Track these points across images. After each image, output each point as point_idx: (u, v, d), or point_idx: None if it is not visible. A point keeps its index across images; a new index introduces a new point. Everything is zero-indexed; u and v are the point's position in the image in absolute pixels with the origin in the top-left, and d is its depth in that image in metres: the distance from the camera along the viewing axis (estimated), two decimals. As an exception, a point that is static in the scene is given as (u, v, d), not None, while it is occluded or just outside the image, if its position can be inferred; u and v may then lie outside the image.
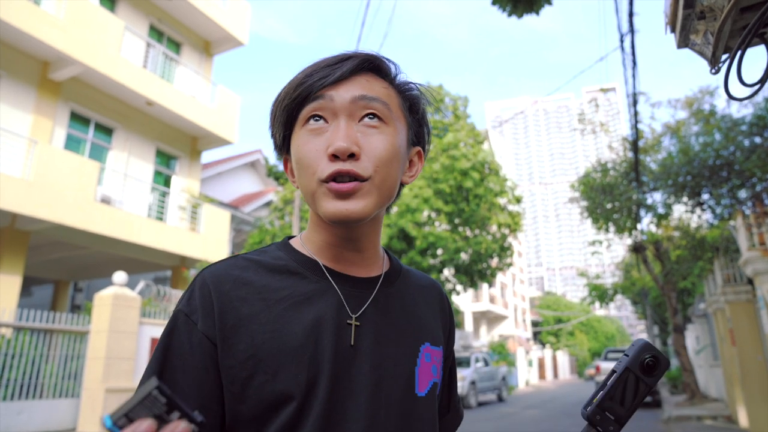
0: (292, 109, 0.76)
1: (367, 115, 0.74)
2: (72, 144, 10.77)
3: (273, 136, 0.81)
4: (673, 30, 1.74)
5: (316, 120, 0.74)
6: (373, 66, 0.78)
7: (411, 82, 0.83)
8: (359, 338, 0.73)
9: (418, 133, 0.84)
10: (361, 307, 0.76)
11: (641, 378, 0.71)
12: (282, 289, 0.74)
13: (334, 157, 0.70)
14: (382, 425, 0.70)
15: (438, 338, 0.83)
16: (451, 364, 0.92)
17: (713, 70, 1.60)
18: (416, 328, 0.80)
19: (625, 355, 0.73)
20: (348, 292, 0.76)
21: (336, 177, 0.70)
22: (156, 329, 9.05)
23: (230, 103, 13.57)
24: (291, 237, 0.84)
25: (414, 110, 0.82)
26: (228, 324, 0.70)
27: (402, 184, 0.82)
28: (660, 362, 0.72)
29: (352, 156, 0.71)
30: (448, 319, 0.90)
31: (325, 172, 0.71)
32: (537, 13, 5.12)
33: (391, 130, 0.75)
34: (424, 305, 0.85)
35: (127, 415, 0.47)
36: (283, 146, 0.81)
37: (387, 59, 0.81)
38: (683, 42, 1.72)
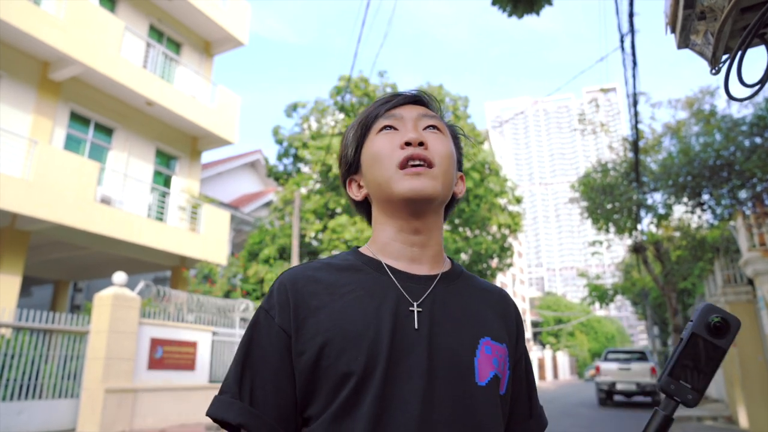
0: (366, 125, 0.91)
1: (429, 126, 0.89)
2: (72, 144, 10.77)
3: (345, 155, 0.95)
4: (673, 30, 1.73)
5: (388, 129, 0.89)
6: (422, 101, 0.95)
7: (453, 123, 0.99)
8: (420, 324, 0.80)
9: (459, 162, 0.98)
10: (420, 298, 0.83)
11: (711, 341, 0.69)
12: (347, 284, 0.83)
13: (406, 145, 0.85)
14: (437, 409, 0.75)
15: (500, 336, 0.86)
16: (527, 371, 0.95)
17: (713, 71, 1.59)
18: (475, 322, 0.85)
19: (690, 321, 0.71)
20: (407, 286, 0.83)
21: (408, 161, 0.84)
22: (156, 329, 9.05)
23: (230, 103, 13.57)
24: (358, 247, 0.94)
25: (456, 142, 0.97)
26: (300, 316, 0.80)
27: (454, 198, 0.95)
28: (730, 323, 0.69)
29: (421, 145, 0.85)
30: (514, 325, 0.93)
31: (400, 157, 0.84)
32: (537, 13, 5.12)
33: (447, 139, 0.91)
34: (485, 305, 0.89)
35: None
36: (353, 162, 0.93)
37: (433, 97, 0.98)
38: (683, 42, 1.72)
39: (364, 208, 0.95)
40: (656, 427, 0.68)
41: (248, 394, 0.77)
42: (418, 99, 0.95)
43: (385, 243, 0.88)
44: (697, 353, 0.69)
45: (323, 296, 0.81)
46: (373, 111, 0.92)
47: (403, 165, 0.83)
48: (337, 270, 0.85)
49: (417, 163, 0.83)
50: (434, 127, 0.89)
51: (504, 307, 0.93)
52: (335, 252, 11.58)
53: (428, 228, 0.87)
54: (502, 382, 0.83)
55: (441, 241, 0.91)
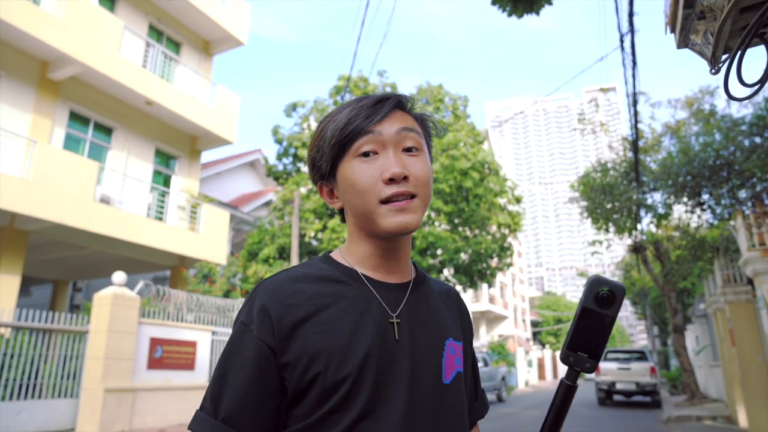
0: (344, 144, 0.89)
1: (408, 148, 0.89)
2: (71, 144, 10.76)
3: (318, 166, 0.94)
4: (673, 30, 1.73)
5: (366, 156, 0.87)
6: (400, 104, 0.94)
7: (424, 114, 0.99)
8: (400, 334, 0.85)
9: (430, 156, 0.99)
10: (397, 308, 0.88)
11: (600, 312, 0.74)
12: (330, 295, 0.86)
13: (391, 180, 0.85)
14: (418, 408, 0.82)
15: (458, 334, 0.96)
16: (472, 360, 1.04)
17: (713, 70, 1.59)
18: (441, 325, 0.93)
19: (582, 296, 0.76)
20: (385, 296, 0.88)
21: (393, 198, 0.85)
22: (155, 329, 9.05)
23: (230, 102, 13.57)
24: (330, 251, 0.96)
25: (429, 136, 0.99)
26: (285, 328, 0.81)
27: None
28: (615, 293, 0.73)
29: (404, 179, 0.86)
30: (465, 320, 1.04)
31: (384, 193, 0.85)
32: (537, 13, 5.11)
33: (424, 156, 0.91)
34: (444, 307, 0.98)
35: None
36: (328, 175, 0.93)
37: (408, 96, 0.97)
38: (683, 42, 1.72)
39: (341, 212, 0.98)
40: (561, 394, 0.75)
41: (224, 411, 0.78)
42: (396, 104, 0.93)
43: (363, 257, 0.91)
44: (589, 324, 0.74)
45: (308, 307, 0.83)
46: (352, 127, 0.88)
47: (387, 201, 0.85)
48: (317, 280, 0.87)
49: (400, 198, 0.85)
50: (413, 147, 0.89)
51: (457, 305, 1.03)
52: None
53: (403, 245, 0.92)
54: (461, 377, 0.92)
55: (410, 250, 0.96)
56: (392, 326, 0.85)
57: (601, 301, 0.74)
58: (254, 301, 0.84)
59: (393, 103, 0.92)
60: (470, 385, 1.01)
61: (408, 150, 0.89)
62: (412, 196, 0.86)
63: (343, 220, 0.98)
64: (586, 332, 0.74)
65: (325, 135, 0.91)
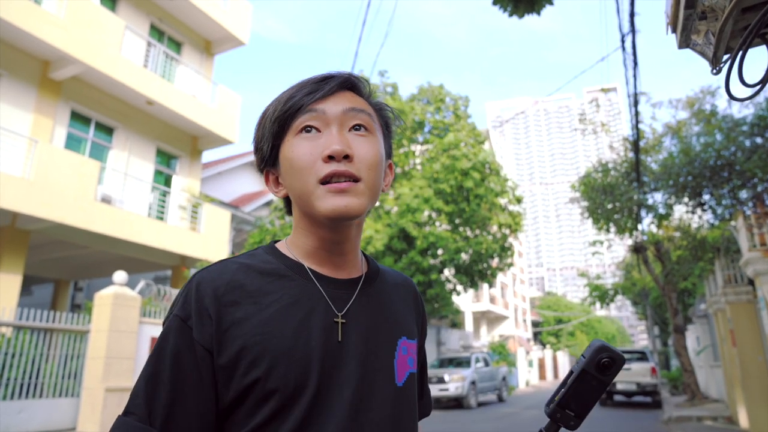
0: (283, 121, 0.82)
1: (355, 126, 0.82)
2: (72, 143, 10.78)
3: (260, 148, 0.86)
4: (674, 30, 1.73)
5: (308, 131, 0.80)
6: (352, 85, 0.86)
7: (382, 102, 0.91)
8: (346, 335, 0.79)
9: (389, 147, 0.92)
10: (345, 307, 0.82)
11: (597, 377, 0.76)
12: (272, 292, 0.79)
13: (330, 158, 0.77)
14: (365, 414, 0.77)
15: (413, 332, 0.90)
16: (422, 356, 0.98)
17: (714, 71, 1.59)
18: (394, 323, 0.87)
19: (582, 356, 0.77)
20: (332, 293, 0.82)
21: (332, 177, 0.77)
22: (156, 329, 9.06)
23: (231, 102, 13.57)
24: (277, 241, 0.89)
25: (387, 126, 0.91)
26: (223, 327, 0.74)
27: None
28: (615, 361, 0.75)
29: (346, 158, 0.78)
30: (421, 315, 0.98)
31: (322, 172, 0.77)
32: (538, 13, 5.11)
33: (375, 139, 0.84)
34: (399, 302, 0.92)
35: None
36: (269, 157, 0.85)
37: (362, 79, 0.89)
38: (684, 42, 1.72)
39: (285, 201, 0.90)
40: None
41: (160, 416, 0.70)
42: (346, 84, 0.85)
43: (308, 250, 0.84)
44: (585, 387, 0.76)
45: (248, 306, 0.76)
46: (292, 102, 0.81)
47: (325, 181, 0.77)
48: (261, 274, 0.80)
49: (341, 179, 0.77)
50: (361, 126, 0.82)
51: (414, 299, 0.97)
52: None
53: (349, 237, 0.85)
54: (414, 377, 0.87)
55: (359, 244, 0.89)
56: (336, 326, 0.79)
57: (601, 367, 0.75)
58: (191, 295, 0.76)
59: (340, 80, 0.84)
60: (418, 382, 0.94)
61: (356, 129, 0.81)
62: (356, 180, 0.78)
63: (289, 212, 0.90)
64: (580, 393, 0.76)
65: (267, 113, 0.84)
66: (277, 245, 0.87)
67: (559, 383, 0.79)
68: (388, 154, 0.91)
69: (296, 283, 0.81)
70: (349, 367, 0.77)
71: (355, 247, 0.87)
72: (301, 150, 0.79)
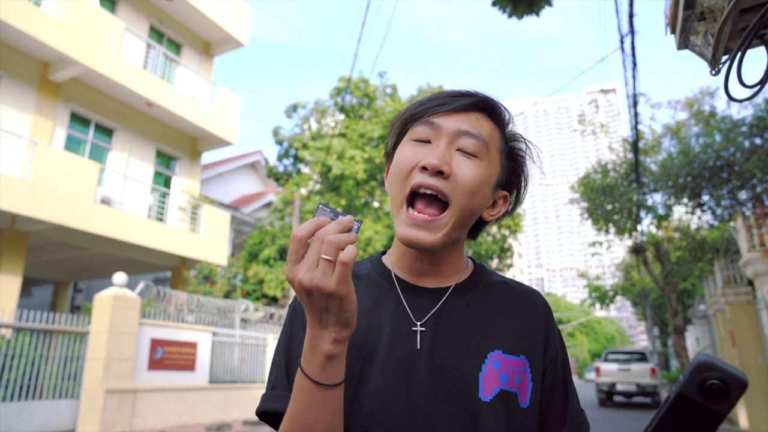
0: (406, 123, 0.85)
1: (464, 150, 0.81)
2: (72, 145, 10.78)
3: (387, 142, 0.91)
4: (673, 31, 1.74)
5: (420, 142, 0.82)
6: (487, 107, 0.86)
7: (520, 135, 0.91)
8: (423, 343, 0.80)
9: (510, 180, 0.90)
10: (425, 315, 0.82)
11: (704, 405, 0.55)
12: (361, 294, 0.82)
13: (424, 170, 0.78)
14: (437, 424, 0.75)
15: (515, 348, 0.82)
16: (563, 377, 0.88)
17: (713, 72, 1.60)
18: (485, 335, 0.82)
19: (682, 377, 0.57)
20: (413, 301, 0.83)
21: (420, 188, 0.78)
22: (156, 330, 9.05)
23: (230, 104, 13.58)
24: (385, 252, 0.94)
25: (512, 157, 0.89)
26: None
27: (483, 221, 0.90)
28: (730, 386, 0.54)
29: (441, 174, 0.78)
30: (542, 331, 0.87)
31: (412, 181, 0.79)
32: (537, 14, 5.12)
33: (483, 165, 0.82)
34: (502, 314, 0.85)
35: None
36: (391, 153, 0.89)
37: (503, 106, 0.88)
38: (683, 43, 1.72)
39: None
40: None
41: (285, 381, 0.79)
42: (479, 105, 0.85)
43: (399, 256, 0.87)
44: (686, 420, 0.55)
45: None
46: (419, 109, 0.84)
47: (410, 200, 0.79)
48: (357, 278, 0.86)
49: (421, 214, 0.78)
50: (471, 154, 0.80)
51: (530, 312, 0.88)
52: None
53: (439, 252, 0.84)
54: (523, 395, 0.80)
55: (461, 255, 0.88)
56: (415, 335, 0.80)
57: (707, 392, 0.54)
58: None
59: (473, 100, 0.84)
60: (557, 406, 0.86)
61: (463, 152, 0.81)
62: (445, 204, 0.78)
63: None
64: (677, 426, 0.55)
65: (404, 110, 0.88)
66: (383, 255, 0.92)
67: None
68: (504, 186, 0.88)
69: (381, 287, 0.85)
70: (421, 375, 0.77)
71: (449, 260, 0.86)
72: (405, 155, 0.81)
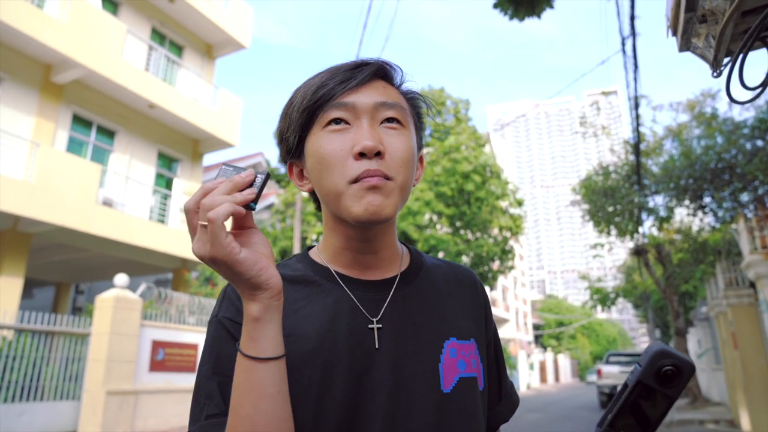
0: (312, 112, 0.77)
1: (387, 119, 0.77)
2: (74, 147, 10.80)
3: (286, 139, 0.82)
4: (674, 33, 1.74)
5: (338, 123, 0.75)
6: (385, 73, 0.81)
7: (414, 90, 0.86)
8: (381, 340, 0.75)
9: (420, 139, 0.86)
10: (379, 310, 0.77)
11: (659, 389, 0.61)
12: (300, 299, 0.77)
13: (361, 155, 0.72)
14: (403, 423, 0.72)
15: (466, 331, 0.82)
16: (496, 354, 0.90)
17: (715, 74, 1.60)
18: (438, 324, 0.80)
19: (638, 365, 0.63)
20: (363, 297, 0.78)
21: (363, 177, 0.73)
22: (157, 331, 9.06)
23: (232, 106, 13.60)
24: (311, 247, 0.87)
25: (419, 116, 0.86)
26: None
27: None
28: (681, 370, 0.61)
29: (377, 155, 0.73)
30: (482, 309, 0.88)
31: (353, 172, 0.72)
32: (538, 16, 5.12)
33: (408, 133, 0.78)
34: (448, 299, 0.84)
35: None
36: (295, 150, 0.81)
37: (395, 66, 0.83)
38: (685, 45, 1.73)
39: (314, 196, 0.85)
40: None
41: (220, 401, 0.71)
42: (379, 73, 0.80)
43: (336, 251, 0.81)
44: (642, 403, 0.62)
45: None
46: (322, 92, 0.76)
47: (356, 180, 0.72)
48: (289, 282, 0.77)
49: (372, 174, 0.72)
50: (394, 119, 0.77)
51: (470, 291, 0.88)
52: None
53: (379, 234, 0.80)
54: (478, 380, 0.80)
55: (395, 241, 0.84)
56: (372, 333, 0.75)
57: (662, 378, 0.61)
58: (224, 300, 0.79)
59: (373, 69, 0.79)
60: (494, 383, 0.88)
61: (388, 121, 0.76)
62: (387, 178, 0.73)
63: (318, 208, 0.85)
64: (636, 411, 0.61)
65: (295, 101, 0.79)
66: (310, 251, 0.85)
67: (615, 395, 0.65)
68: (419, 146, 0.85)
69: (323, 288, 0.78)
70: (383, 374, 0.73)
71: (389, 244, 0.82)
72: (330, 146, 0.74)
